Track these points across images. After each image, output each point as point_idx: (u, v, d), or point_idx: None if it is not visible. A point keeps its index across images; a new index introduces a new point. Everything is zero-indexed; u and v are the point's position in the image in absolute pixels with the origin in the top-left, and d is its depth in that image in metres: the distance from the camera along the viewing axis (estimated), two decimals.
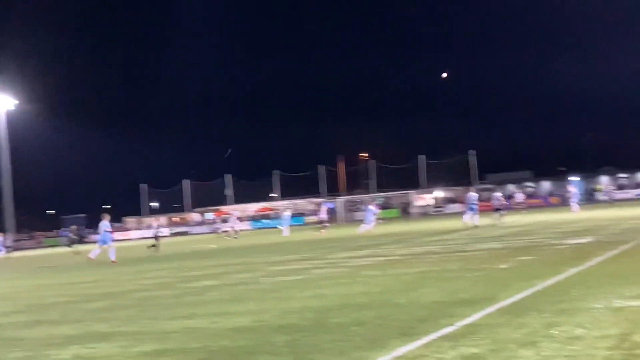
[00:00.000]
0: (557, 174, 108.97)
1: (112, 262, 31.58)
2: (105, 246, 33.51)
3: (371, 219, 45.15)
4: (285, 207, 70.83)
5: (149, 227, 42.09)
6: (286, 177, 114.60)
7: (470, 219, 39.66)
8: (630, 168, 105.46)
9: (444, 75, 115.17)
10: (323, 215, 54.09)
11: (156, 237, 41.35)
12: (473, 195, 41.11)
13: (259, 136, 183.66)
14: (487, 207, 47.54)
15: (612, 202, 59.86)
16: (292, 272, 18.61)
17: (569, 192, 56.83)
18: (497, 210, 41.18)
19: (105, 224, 33.86)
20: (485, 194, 55.40)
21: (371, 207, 47.36)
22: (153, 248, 39.95)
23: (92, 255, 33.62)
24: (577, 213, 47.00)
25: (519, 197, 65.60)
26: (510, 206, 55.19)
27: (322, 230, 50.28)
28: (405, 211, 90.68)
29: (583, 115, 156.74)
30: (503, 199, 43.85)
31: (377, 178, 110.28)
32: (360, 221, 52.38)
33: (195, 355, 8.44)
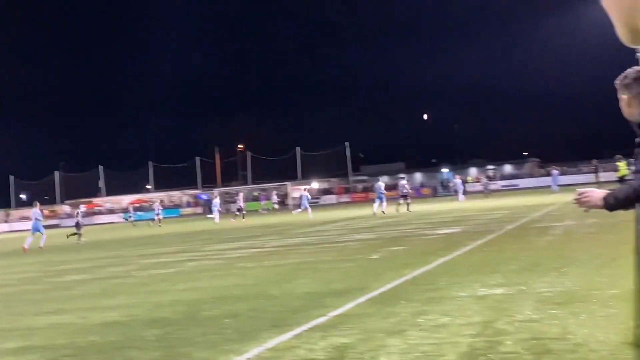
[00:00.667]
0: (429, 166, 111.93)
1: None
2: (37, 233, 33.78)
3: (306, 204, 46.19)
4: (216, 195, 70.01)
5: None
6: (161, 169, 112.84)
7: (379, 207, 40.77)
8: (497, 160, 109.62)
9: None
10: (241, 203, 54.59)
11: (78, 225, 39.89)
12: (381, 184, 42.71)
13: (132, 128, 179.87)
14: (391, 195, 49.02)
15: (488, 193, 61.80)
16: (166, 265, 18.37)
17: (454, 184, 58.55)
18: (404, 197, 42.21)
19: (36, 211, 34.34)
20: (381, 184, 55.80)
21: (305, 193, 48.57)
22: (76, 237, 38.71)
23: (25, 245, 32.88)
24: (462, 202, 48.88)
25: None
26: (415, 194, 56.48)
27: (233, 220, 50.55)
28: (282, 203, 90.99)
29: (453, 109, 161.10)
30: (409, 186, 44.93)
31: (253, 170, 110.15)
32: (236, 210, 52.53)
33: (61, 351, 8.21)
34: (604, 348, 6.28)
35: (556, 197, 42.75)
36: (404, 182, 43.33)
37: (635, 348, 6.09)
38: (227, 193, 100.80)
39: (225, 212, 73.52)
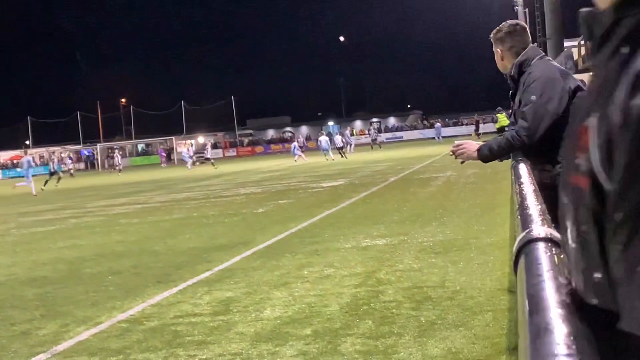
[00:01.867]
0: (315, 119, 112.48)
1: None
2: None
3: (297, 152, 46.40)
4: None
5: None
6: (40, 124, 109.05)
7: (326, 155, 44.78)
8: (381, 112, 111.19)
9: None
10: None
11: (52, 173, 40.06)
12: (323, 138, 47.40)
13: (9, 80, 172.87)
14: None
15: (377, 145, 62.36)
16: (47, 223, 17.85)
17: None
18: (344, 146, 47.29)
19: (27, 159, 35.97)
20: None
21: (295, 143, 49.79)
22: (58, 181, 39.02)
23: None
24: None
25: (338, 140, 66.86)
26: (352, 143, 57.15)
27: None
28: (169, 157, 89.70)
29: (336, 63, 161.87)
30: (350, 135, 48.52)
31: (136, 125, 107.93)
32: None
33: None
34: (481, 295, 6.50)
35: (439, 148, 43.77)
36: (347, 131, 48.33)
37: (511, 294, 6.33)
38: (109, 148, 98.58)
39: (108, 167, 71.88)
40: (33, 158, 38.78)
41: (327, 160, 43.22)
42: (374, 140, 64.37)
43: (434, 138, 64.60)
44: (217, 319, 6.50)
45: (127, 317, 6.91)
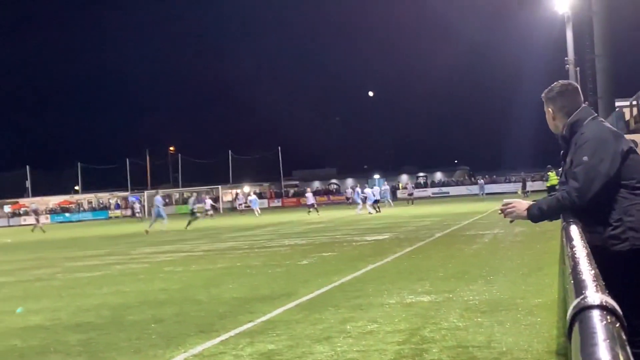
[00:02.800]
0: (361, 172, 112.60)
1: None
2: None
3: (358, 200, 46.91)
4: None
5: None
6: (89, 170, 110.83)
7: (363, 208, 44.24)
8: (429, 168, 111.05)
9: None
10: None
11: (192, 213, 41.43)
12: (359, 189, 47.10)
13: (60, 127, 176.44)
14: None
15: (411, 200, 62.00)
16: (92, 268, 18.04)
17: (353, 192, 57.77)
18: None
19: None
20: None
21: (358, 189, 49.52)
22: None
23: None
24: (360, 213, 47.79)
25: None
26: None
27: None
28: (214, 207, 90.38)
29: (384, 116, 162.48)
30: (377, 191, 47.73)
31: (184, 172, 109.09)
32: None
33: None
34: (528, 356, 6.37)
35: (484, 205, 43.42)
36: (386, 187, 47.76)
37: (558, 356, 6.19)
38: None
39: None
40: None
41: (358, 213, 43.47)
42: (410, 195, 64.09)
43: (477, 194, 66.04)
44: None
45: None
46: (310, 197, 48.73)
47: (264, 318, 9.09)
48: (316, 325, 8.43)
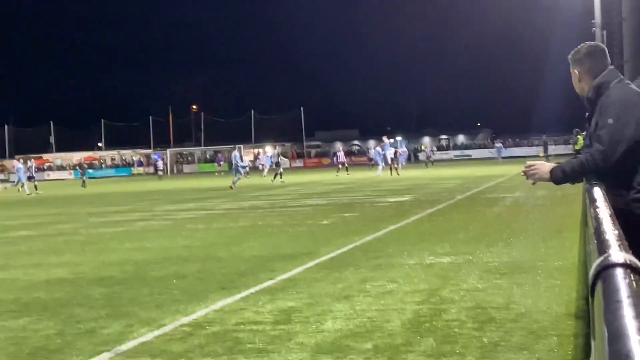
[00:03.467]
0: (384, 134, 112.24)
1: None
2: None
3: (380, 161, 45.25)
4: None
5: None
6: (113, 127, 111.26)
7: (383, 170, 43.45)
8: (451, 130, 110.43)
9: None
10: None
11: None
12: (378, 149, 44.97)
13: (84, 84, 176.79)
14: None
15: (430, 163, 61.53)
16: (115, 224, 18.21)
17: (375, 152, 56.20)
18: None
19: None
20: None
21: (378, 148, 47.69)
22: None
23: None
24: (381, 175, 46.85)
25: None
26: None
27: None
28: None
29: (406, 77, 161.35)
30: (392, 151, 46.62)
31: (206, 131, 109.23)
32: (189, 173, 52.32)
33: (5, 306, 8.13)
34: (546, 318, 6.38)
35: (506, 168, 43.20)
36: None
37: (577, 319, 6.21)
38: (179, 154, 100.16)
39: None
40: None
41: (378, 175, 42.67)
42: (428, 157, 63.60)
43: (495, 158, 63.61)
44: (278, 328, 6.52)
45: (190, 321, 6.99)
46: (341, 156, 48.39)
47: (284, 276, 9.16)
48: (336, 284, 8.48)
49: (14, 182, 42.01)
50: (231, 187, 33.73)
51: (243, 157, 38.35)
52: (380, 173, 43.11)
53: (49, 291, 8.98)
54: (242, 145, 38.01)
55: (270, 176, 43.71)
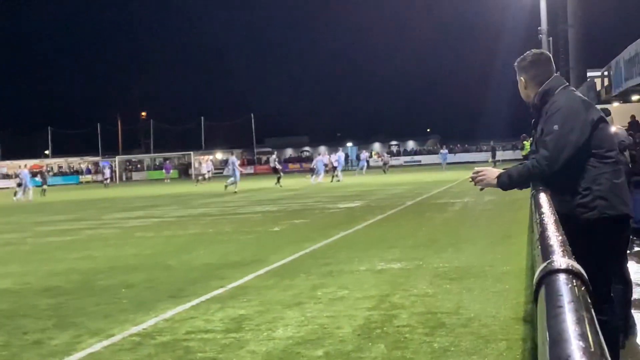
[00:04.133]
0: (333, 140, 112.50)
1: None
2: None
3: (321, 169, 44.93)
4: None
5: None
6: (60, 134, 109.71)
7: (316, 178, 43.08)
8: (400, 136, 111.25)
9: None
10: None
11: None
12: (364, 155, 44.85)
13: (30, 89, 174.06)
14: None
15: (386, 169, 61.20)
16: (62, 233, 17.94)
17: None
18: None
19: None
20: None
21: (321, 158, 47.75)
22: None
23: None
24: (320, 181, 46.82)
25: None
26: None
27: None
28: (185, 172, 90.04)
29: (355, 84, 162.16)
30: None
31: (155, 138, 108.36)
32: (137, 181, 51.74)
33: None
34: (495, 323, 6.45)
35: (455, 174, 43.59)
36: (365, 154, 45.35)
37: (525, 324, 6.29)
38: (128, 161, 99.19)
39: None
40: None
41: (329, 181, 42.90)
42: (385, 163, 63.44)
43: (440, 164, 61.50)
44: (229, 336, 6.48)
45: (139, 330, 6.91)
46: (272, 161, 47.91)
47: (234, 284, 9.11)
48: (287, 291, 8.47)
49: None
50: (235, 192, 34.86)
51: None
52: (313, 181, 43.01)
53: None
54: (234, 151, 38.32)
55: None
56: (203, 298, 8.30)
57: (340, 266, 10.12)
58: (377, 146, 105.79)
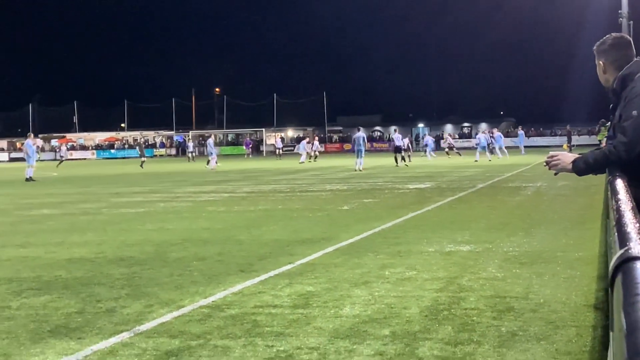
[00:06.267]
0: (406, 120, 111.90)
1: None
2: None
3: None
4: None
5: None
6: (136, 108, 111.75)
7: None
8: (473, 118, 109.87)
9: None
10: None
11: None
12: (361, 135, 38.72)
13: (110, 64, 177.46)
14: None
15: (451, 152, 59.94)
16: (136, 205, 18.32)
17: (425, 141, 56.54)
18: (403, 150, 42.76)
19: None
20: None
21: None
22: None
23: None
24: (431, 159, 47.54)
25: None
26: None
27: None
28: (257, 149, 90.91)
29: (430, 65, 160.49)
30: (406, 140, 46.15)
31: (228, 114, 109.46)
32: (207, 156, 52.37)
33: (27, 284, 8.20)
34: (565, 309, 6.37)
35: (529, 157, 42.93)
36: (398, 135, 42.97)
37: (596, 311, 6.19)
38: (201, 136, 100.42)
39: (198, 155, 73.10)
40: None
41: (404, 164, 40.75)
42: (450, 147, 61.80)
43: (517, 147, 59.21)
44: (296, 312, 6.55)
45: (209, 302, 7.03)
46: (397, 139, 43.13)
47: (303, 260, 9.18)
48: (355, 269, 8.50)
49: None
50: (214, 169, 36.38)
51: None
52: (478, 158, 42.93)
53: (69, 270, 9.06)
54: (31, 134, 37.67)
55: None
56: (272, 273, 8.39)
57: (409, 246, 10.10)
58: (448, 127, 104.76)
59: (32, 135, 37.22)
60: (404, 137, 44.78)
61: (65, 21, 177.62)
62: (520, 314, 6.26)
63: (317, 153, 56.17)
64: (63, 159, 54.29)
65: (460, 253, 9.50)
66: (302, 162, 47.12)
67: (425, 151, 54.17)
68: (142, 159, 50.30)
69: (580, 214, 13.37)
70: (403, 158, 41.13)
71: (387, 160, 45.32)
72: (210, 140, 45.66)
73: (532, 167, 31.59)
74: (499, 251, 9.54)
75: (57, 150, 42.31)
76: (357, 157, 35.41)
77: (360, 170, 33.61)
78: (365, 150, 36.86)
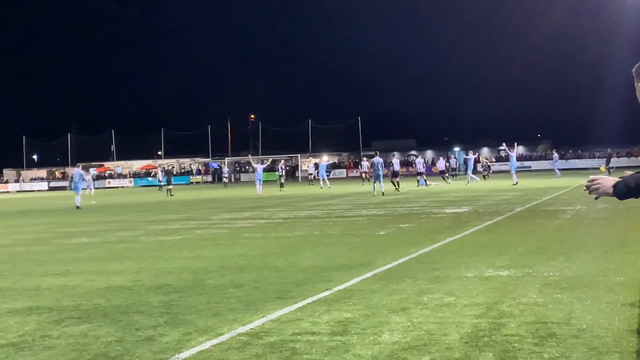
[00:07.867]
0: (441, 144, 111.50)
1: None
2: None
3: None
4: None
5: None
6: (172, 135, 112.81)
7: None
8: (510, 140, 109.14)
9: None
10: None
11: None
12: (379, 160, 37.89)
13: (147, 93, 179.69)
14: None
15: (487, 175, 59.20)
16: (173, 232, 18.43)
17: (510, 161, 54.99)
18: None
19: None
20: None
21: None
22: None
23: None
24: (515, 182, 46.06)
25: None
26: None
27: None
28: (292, 175, 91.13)
29: (464, 88, 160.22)
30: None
31: (263, 140, 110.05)
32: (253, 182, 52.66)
33: (66, 313, 8.26)
34: (608, 334, 6.25)
35: (567, 180, 42.45)
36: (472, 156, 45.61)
37: (639, 335, 6.07)
38: (236, 162, 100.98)
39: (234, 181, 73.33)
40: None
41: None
42: (485, 169, 61.32)
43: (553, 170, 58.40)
44: (335, 339, 6.51)
45: (247, 330, 7.02)
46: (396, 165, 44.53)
47: (340, 287, 9.14)
48: (393, 295, 8.44)
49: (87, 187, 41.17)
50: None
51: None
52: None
53: (108, 298, 9.11)
54: (80, 164, 39.90)
55: (325, 186, 46.07)
56: (309, 300, 8.36)
57: (447, 272, 10.01)
58: (485, 151, 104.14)
59: (80, 165, 39.57)
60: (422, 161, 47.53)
61: (102, 52, 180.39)
62: (562, 340, 6.16)
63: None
64: (89, 187, 54.75)
65: (499, 278, 9.39)
66: (329, 188, 48.17)
67: (466, 172, 53.41)
68: (169, 186, 50.75)
69: (621, 238, 13.17)
70: (398, 183, 41.79)
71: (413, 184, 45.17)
72: (260, 167, 45.06)
73: (570, 190, 31.24)
74: (539, 276, 9.42)
75: (86, 179, 43.15)
76: (375, 181, 36.01)
77: (382, 194, 34.08)
78: (384, 176, 37.09)
